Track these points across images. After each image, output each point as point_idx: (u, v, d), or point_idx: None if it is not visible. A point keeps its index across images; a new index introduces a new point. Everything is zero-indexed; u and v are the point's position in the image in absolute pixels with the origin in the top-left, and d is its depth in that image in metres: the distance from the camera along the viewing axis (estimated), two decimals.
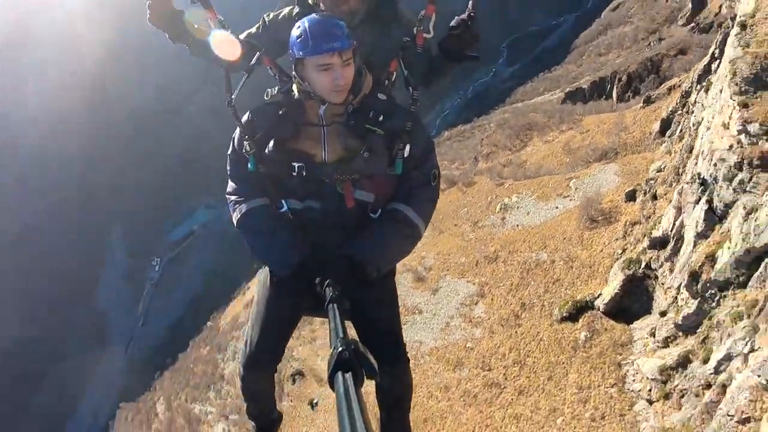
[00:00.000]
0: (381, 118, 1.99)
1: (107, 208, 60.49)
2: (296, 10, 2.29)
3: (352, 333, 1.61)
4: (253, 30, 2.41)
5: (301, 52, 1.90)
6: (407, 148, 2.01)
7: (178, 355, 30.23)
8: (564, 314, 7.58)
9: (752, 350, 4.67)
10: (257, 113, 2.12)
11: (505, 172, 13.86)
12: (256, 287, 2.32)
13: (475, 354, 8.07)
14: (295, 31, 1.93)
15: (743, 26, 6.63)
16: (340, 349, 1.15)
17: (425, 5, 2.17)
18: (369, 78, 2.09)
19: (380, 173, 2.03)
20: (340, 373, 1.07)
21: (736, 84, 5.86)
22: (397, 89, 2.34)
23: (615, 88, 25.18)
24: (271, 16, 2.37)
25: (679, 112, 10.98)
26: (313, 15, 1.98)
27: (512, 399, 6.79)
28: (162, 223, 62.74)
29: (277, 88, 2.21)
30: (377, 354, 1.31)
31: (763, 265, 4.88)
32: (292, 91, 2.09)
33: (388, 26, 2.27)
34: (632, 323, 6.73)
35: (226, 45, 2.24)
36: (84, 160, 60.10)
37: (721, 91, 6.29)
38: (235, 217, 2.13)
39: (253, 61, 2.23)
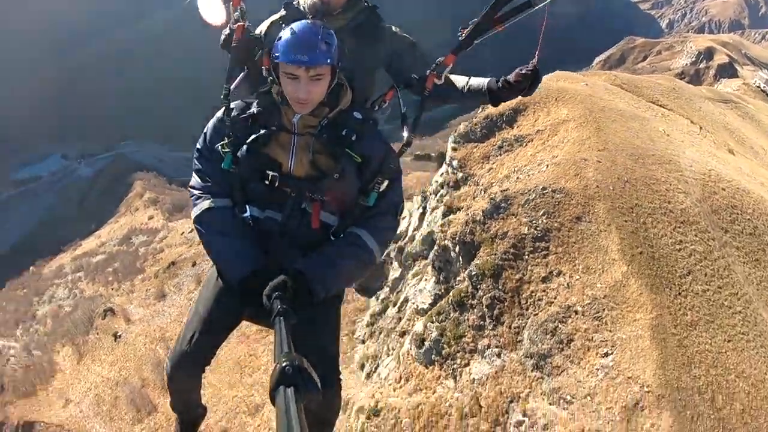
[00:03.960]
0: (354, 138, 1.98)
1: None
2: (283, 13, 2.32)
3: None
4: None
5: (275, 55, 1.89)
6: (385, 183, 2.01)
7: None
8: None
9: (419, 290, 7.05)
10: (237, 110, 2.08)
11: None
12: (201, 285, 2.30)
13: None
14: (281, 33, 1.90)
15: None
16: (284, 364, 1.16)
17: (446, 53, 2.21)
18: (348, 94, 2.06)
19: (350, 199, 2.02)
20: (282, 388, 1.08)
21: (455, 136, 8.75)
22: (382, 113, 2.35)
23: None
24: (264, 28, 2.37)
25: None
26: (304, 22, 1.94)
27: (268, 338, 8.57)
28: (9, 161, 58.62)
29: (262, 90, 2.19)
30: None
31: (435, 243, 7.43)
32: (272, 93, 2.05)
33: (368, 38, 2.28)
34: (372, 296, 9.02)
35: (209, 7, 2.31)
36: None
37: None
38: (196, 212, 2.06)
39: (256, 58, 2.25)
